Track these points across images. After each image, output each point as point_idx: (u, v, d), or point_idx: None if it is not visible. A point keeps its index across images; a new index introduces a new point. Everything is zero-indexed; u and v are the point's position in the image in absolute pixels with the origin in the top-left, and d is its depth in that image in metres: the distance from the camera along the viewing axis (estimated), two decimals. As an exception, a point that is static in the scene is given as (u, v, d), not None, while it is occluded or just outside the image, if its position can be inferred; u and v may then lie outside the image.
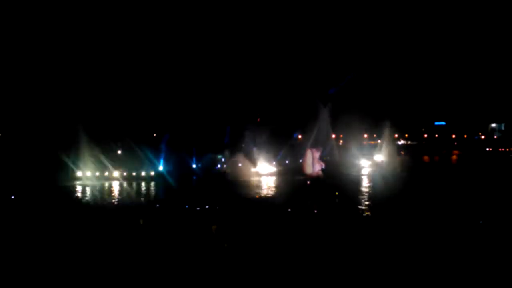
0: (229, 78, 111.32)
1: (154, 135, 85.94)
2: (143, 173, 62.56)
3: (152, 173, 63.28)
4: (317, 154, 64.39)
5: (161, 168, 66.13)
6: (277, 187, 56.74)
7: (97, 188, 55.08)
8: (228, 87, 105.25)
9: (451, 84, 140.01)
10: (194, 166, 71.29)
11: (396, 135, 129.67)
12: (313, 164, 63.67)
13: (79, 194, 50.76)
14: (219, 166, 72.43)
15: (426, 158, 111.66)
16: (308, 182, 58.98)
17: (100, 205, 42.62)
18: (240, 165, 69.57)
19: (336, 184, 52.21)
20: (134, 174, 62.12)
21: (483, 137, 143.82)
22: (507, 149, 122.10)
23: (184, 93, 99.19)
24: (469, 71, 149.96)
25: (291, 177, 63.57)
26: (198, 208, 34.88)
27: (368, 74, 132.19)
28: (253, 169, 68.76)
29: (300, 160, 75.64)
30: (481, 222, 27.91)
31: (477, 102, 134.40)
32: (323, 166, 64.25)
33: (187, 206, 36.09)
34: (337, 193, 42.49)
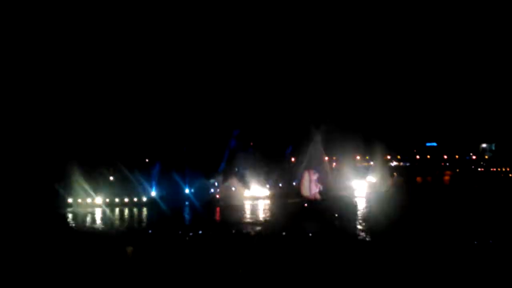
0: (221, 100, 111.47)
1: (147, 160, 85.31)
2: (135, 199, 61.88)
3: (145, 199, 62.63)
4: (314, 176, 64.43)
5: (153, 193, 65.48)
6: (272, 211, 56.37)
7: (88, 215, 54.31)
8: (220, 111, 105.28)
9: (442, 105, 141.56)
10: (187, 191, 70.72)
11: (389, 156, 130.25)
12: (310, 186, 63.63)
13: (70, 222, 49.92)
14: (212, 190, 71.87)
15: (419, 179, 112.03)
16: (305, 204, 58.76)
17: (91, 232, 41.91)
18: (233, 189, 69.20)
19: (333, 207, 51.99)
20: (126, 200, 61.42)
21: (474, 157, 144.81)
22: (499, 169, 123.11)
23: (175, 117, 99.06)
24: (459, 92, 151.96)
25: (286, 200, 63.25)
26: (191, 234, 34.49)
27: (359, 96, 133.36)
28: (246, 193, 68.34)
29: (294, 183, 75.59)
30: (475, 242, 27.86)
31: (468, 122, 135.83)
32: (321, 188, 64.16)
33: (180, 232, 35.70)
34: (336, 215, 42.40)
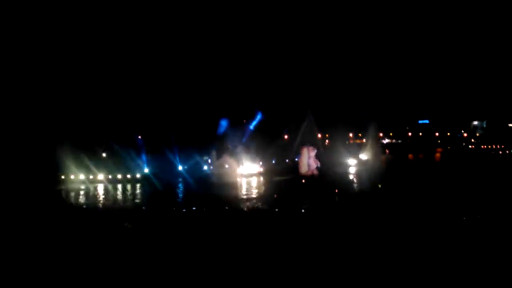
0: (215, 77, 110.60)
1: (139, 137, 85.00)
2: (128, 176, 61.87)
3: (138, 176, 62.63)
4: (313, 153, 64.51)
5: (146, 170, 65.51)
6: (267, 187, 56.71)
7: (82, 191, 54.42)
8: (214, 87, 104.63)
9: (434, 83, 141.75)
10: (180, 168, 70.86)
11: (381, 134, 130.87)
12: (309, 162, 63.81)
13: (64, 198, 50.00)
14: (205, 167, 72.08)
15: (410, 156, 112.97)
16: (303, 180, 59.11)
17: (86, 208, 42.12)
18: (226, 166, 69.40)
19: (331, 183, 52.39)
20: (119, 176, 61.43)
21: (465, 134, 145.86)
22: (489, 146, 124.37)
23: (169, 93, 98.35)
24: (452, 69, 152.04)
25: (280, 177, 63.58)
26: (184, 210, 34.78)
27: (352, 74, 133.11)
28: (240, 170, 68.58)
29: (287, 160, 76.03)
30: (464, 218, 28.39)
31: (460, 100, 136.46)
32: (319, 164, 64.40)
33: (174, 208, 36.01)
34: (336, 191, 42.71)
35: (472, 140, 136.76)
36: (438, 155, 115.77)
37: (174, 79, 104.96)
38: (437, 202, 35.62)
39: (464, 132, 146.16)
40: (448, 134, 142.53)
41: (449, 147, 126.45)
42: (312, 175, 62.44)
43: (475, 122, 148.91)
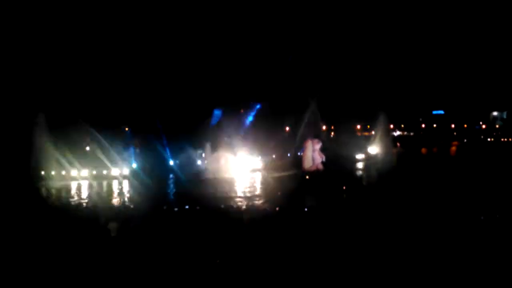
0: (210, 62, 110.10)
1: (126, 128, 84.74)
2: (114, 172, 61.74)
3: (125, 172, 62.47)
4: (317, 146, 63.85)
5: (134, 165, 65.40)
6: (268, 184, 56.68)
7: (63, 189, 54.22)
8: (209, 73, 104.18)
9: (450, 71, 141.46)
10: (171, 162, 70.73)
11: (392, 126, 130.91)
12: (313, 156, 63.22)
13: (44, 196, 49.84)
14: (199, 162, 71.91)
15: (424, 149, 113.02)
16: (307, 176, 58.81)
17: (67, 208, 41.90)
18: (222, 160, 69.17)
19: (337, 179, 52.20)
20: (104, 172, 61.27)
21: (484, 126, 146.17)
22: (510, 139, 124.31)
23: (159, 80, 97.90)
24: (469, 56, 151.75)
25: (282, 172, 63.53)
26: (176, 209, 34.58)
27: (360, 60, 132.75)
28: (237, 165, 68.45)
29: (289, 154, 75.89)
30: (482, 218, 28.23)
31: (478, 89, 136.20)
32: (324, 158, 63.90)
33: (165, 207, 35.79)
34: (344, 188, 42.52)
35: (492, 133, 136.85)
36: (454, 148, 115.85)
37: (166, 64, 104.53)
38: (454, 200, 35.46)
39: (483, 123, 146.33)
40: (465, 125, 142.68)
41: (465, 140, 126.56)
42: (317, 170, 62.15)
43: (495, 113, 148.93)
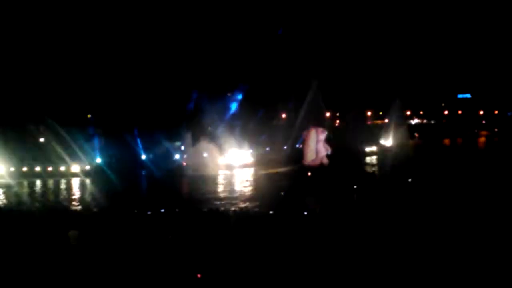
0: (190, 36, 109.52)
1: (89, 116, 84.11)
2: (74, 168, 61.55)
3: (88, 168, 62.52)
4: (322, 136, 63.40)
5: (98, 160, 65.48)
6: (258, 183, 56.64)
7: (14, 188, 53.95)
8: (188, 49, 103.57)
9: (478, 47, 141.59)
10: (143, 157, 70.67)
11: (408, 112, 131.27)
12: (317, 148, 62.63)
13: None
14: (177, 156, 71.83)
15: (446, 141, 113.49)
16: (309, 173, 58.39)
17: (17, 212, 41.49)
18: (205, 155, 69.10)
19: (345, 177, 51.97)
20: (62, 169, 61.11)
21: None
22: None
23: (130, 59, 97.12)
24: (499, 30, 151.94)
25: (277, 169, 63.51)
26: (149, 213, 34.36)
27: (370, 34, 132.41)
28: (222, 160, 68.45)
29: (285, 147, 75.87)
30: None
31: (511, 68, 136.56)
32: (329, 151, 63.59)
33: (136, 211, 35.54)
34: (355, 187, 42.17)
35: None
36: (482, 139, 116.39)
37: (137, 40, 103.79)
38: (482, 203, 35.43)
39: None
40: (496, 112, 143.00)
41: (496, 130, 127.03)
42: (321, 165, 61.90)
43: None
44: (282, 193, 45.22)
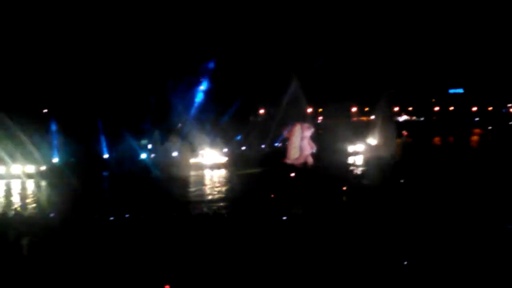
0: (159, 20, 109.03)
1: (45, 111, 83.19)
2: (28, 169, 60.97)
3: (43, 168, 62.03)
4: (307, 132, 62.63)
5: (56, 159, 65.10)
6: (235, 184, 56.62)
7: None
8: (159, 36, 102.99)
9: (471, 39, 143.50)
10: (106, 156, 70.29)
11: (397, 108, 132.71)
12: (301, 145, 61.75)
13: None
14: (143, 155, 71.53)
15: (437, 139, 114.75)
16: (292, 174, 57.99)
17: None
18: (175, 154, 68.95)
19: (332, 177, 52.04)
20: (15, 169, 60.57)
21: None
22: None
23: (88, 44, 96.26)
24: (495, 20, 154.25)
25: (255, 169, 63.55)
26: (112, 219, 33.98)
27: (356, 26, 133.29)
28: (194, 159, 68.34)
29: (263, 146, 75.94)
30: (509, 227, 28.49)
31: (506, 62, 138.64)
32: (314, 149, 63.21)
33: (96, 216, 35.16)
34: (344, 188, 42.15)
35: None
36: (475, 138, 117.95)
37: (95, 24, 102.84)
38: (476, 206, 35.82)
39: (511, 106, 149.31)
40: (490, 108, 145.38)
41: (490, 127, 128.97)
42: (305, 164, 61.56)
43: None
44: (261, 195, 45.06)
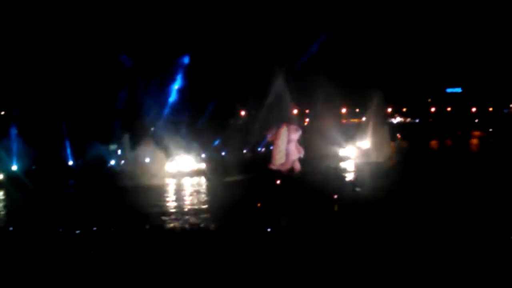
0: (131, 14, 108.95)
1: (2, 113, 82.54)
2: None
3: (1, 177, 62.28)
4: (295, 135, 62.15)
5: (15, 167, 65.09)
6: (214, 194, 56.53)
7: None
8: (129, 29, 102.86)
9: (469, 36, 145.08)
10: (71, 163, 69.96)
11: (390, 109, 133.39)
12: (288, 149, 61.26)
13: None
14: (113, 162, 71.33)
15: (433, 142, 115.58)
16: (278, 181, 57.57)
17: None
18: (147, 160, 68.77)
19: (322, 186, 51.87)
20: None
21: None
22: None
23: (50, 41, 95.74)
24: (495, 17, 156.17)
25: (236, 176, 63.59)
26: (78, 232, 33.76)
27: (347, 21, 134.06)
28: (169, 167, 68.25)
29: (245, 151, 76.00)
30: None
31: (507, 61, 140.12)
32: (302, 153, 63.00)
33: (61, 230, 34.90)
34: (335, 197, 42.01)
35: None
36: (475, 141, 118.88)
37: (57, 18, 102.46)
38: (477, 215, 36.15)
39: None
40: (491, 109, 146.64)
41: (491, 130, 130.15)
42: (292, 170, 61.35)
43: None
44: (242, 206, 44.98)
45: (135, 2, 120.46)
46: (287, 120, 70.20)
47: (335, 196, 41.95)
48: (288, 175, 59.62)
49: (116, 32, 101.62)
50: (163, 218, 44.14)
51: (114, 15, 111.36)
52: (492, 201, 45.53)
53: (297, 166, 61.69)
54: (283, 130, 61.55)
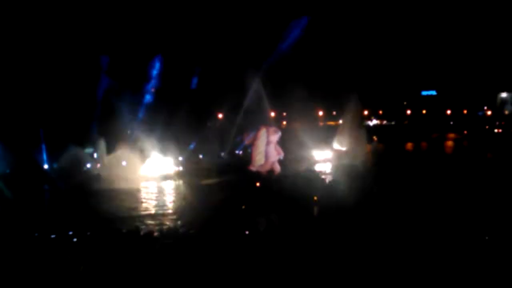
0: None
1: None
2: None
3: None
4: (274, 136, 61.91)
5: None
6: (194, 197, 56.27)
7: None
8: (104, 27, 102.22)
9: (445, 39, 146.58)
10: (46, 166, 69.34)
11: (366, 112, 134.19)
12: (267, 151, 61.03)
13: None
14: (89, 165, 70.81)
15: (409, 145, 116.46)
16: (257, 183, 57.35)
17: None
18: (124, 163, 68.43)
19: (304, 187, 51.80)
20: None
21: (489, 112, 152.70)
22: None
23: (22, 40, 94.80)
24: (470, 20, 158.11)
25: (214, 178, 63.45)
26: (54, 236, 33.32)
27: (323, 23, 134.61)
28: (145, 170, 68.05)
29: (222, 154, 75.93)
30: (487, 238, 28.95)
31: (482, 63, 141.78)
32: (282, 155, 62.78)
33: (36, 234, 34.44)
34: (315, 198, 41.93)
35: (500, 121, 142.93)
36: (450, 143, 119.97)
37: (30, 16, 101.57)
38: (452, 216, 36.36)
39: (488, 109, 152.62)
40: (465, 111, 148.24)
41: (466, 132, 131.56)
42: (271, 172, 61.23)
43: (503, 95, 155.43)
44: (221, 208, 44.82)
45: (106, 4, 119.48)
46: (265, 122, 70.31)
47: (315, 198, 42.05)
48: (267, 176, 59.55)
49: (90, 34, 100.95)
50: (140, 221, 43.75)
51: (88, 17, 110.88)
52: (464, 201, 46.05)
53: (277, 168, 61.66)
54: (262, 132, 61.65)
